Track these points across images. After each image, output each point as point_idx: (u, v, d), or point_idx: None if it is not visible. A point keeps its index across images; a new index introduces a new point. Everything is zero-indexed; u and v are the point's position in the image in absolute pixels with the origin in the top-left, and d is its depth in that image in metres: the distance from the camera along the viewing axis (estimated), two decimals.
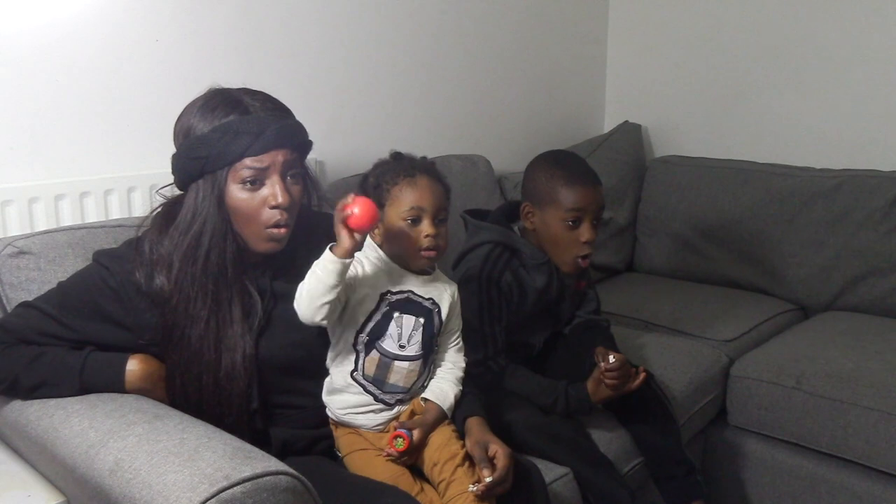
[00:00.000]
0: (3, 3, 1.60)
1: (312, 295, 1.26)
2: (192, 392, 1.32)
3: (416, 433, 1.31)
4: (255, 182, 1.29)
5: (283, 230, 1.32)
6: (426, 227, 1.33)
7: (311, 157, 2.07)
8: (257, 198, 1.30)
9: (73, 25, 1.69)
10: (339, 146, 2.19)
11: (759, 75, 2.69)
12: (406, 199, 1.32)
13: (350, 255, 1.25)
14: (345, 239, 1.24)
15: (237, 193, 1.30)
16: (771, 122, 2.69)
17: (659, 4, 2.90)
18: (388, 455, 1.31)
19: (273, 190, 1.30)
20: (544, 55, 2.81)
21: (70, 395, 1.29)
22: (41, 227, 1.64)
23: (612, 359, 1.57)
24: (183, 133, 1.32)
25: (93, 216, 1.73)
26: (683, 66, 2.86)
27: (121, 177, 1.76)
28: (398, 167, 1.36)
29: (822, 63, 2.56)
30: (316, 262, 1.27)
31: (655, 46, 2.93)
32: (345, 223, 1.24)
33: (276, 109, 1.33)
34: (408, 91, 2.38)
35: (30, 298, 1.44)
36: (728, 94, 2.77)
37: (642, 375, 1.61)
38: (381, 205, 1.34)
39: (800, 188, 2.45)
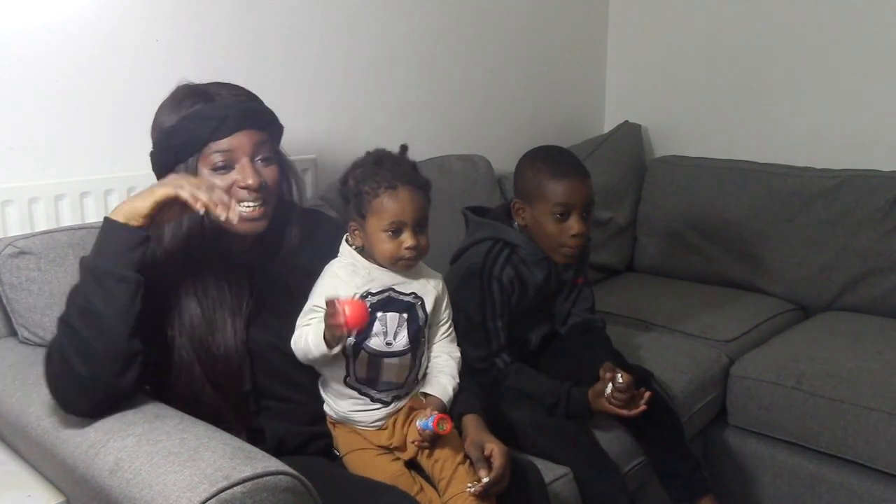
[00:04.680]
0: (3, 3, 1.60)
1: (307, 358, 1.31)
2: (185, 381, 1.32)
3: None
4: (226, 167, 1.32)
5: (255, 210, 1.33)
6: (407, 238, 1.31)
7: (309, 156, 2.10)
8: (228, 181, 1.32)
9: (74, 25, 1.69)
10: (338, 146, 2.19)
11: (759, 75, 2.69)
12: (387, 212, 1.31)
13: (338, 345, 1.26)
14: (334, 338, 1.24)
15: (209, 179, 1.31)
16: (771, 122, 2.69)
17: (659, 4, 2.90)
18: (424, 439, 1.31)
19: (242, 172, 1.32)
20: (544, 55, 2.81)
21: (102, 290, 1.19)
22: (41, 227, 1.64)
23: (620, 379, 1.55)
24: (156, 129, 1.35)
25: (93, 216, 1.72)
26: (683, 66, 2.86)
27: (121, 177, 1.76)
28: (379, 175, 1.32)
29: (823, 63, 2.55)
30: (310, 335, 1.28)
31: (655, 46, 2.93)
32: (335, 325, 1.21)
33: (241, 95, 1.36)
34: (408, 91, 2.38)
35: (30, 299, 1.45)
36: (728, 94, 2.77)
37: (643, 406, 1.58)
38: (361, 214, 1.33)
39: (800, 188, 2.45)
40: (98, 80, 1.74)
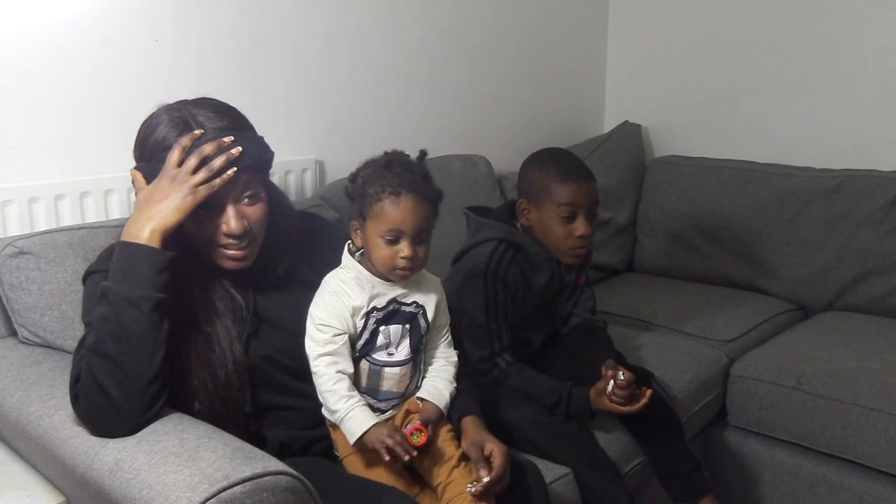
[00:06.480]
0: (3, 3, 1.60)
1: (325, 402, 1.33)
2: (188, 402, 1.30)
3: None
4: (208, 208, 1.27)
5: (241, 251, 1.31)
6: (404, 248, 1.29)
7: (311, 156, 2.10)
8: (211, 226, 1.28)
9: (73, 25, 1.69)
10: (339, 146, 2.19)
11: (759, 75, 2.69)
12: (386, 218, 1.28)
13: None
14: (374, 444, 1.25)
15: (190, 223, 1.26)
16: (771, 122, 2.69)
17: (659, 5, 2.90)
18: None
19: (226, 217, 1.28)
20: (544, 55, 2.81)
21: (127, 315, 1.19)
22: (41, 227, 1.64)
23: (621, 376, 1.56)
24: (137, 149, 1.31)
25: (93, 216, 1.73)
26: (683, 66, 2.86)
27: (120, 177, 1.75)
28: (385, 180, 1.29)
29: (822, 63, 2.55)
30: (342, 412, 1.28)
31: (655, 46, 2.93)
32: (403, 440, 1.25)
33: (223, 130, 1.27)
34: (408, 91, 2.38)
35: (30, 299, 1.44)
36: (728, 94, 2.77)
37: (644, 401, 1.58)
38: (362, 215, 1.31)
39: (800, 188, 2.45)
40: (98, 80, 1.74)
